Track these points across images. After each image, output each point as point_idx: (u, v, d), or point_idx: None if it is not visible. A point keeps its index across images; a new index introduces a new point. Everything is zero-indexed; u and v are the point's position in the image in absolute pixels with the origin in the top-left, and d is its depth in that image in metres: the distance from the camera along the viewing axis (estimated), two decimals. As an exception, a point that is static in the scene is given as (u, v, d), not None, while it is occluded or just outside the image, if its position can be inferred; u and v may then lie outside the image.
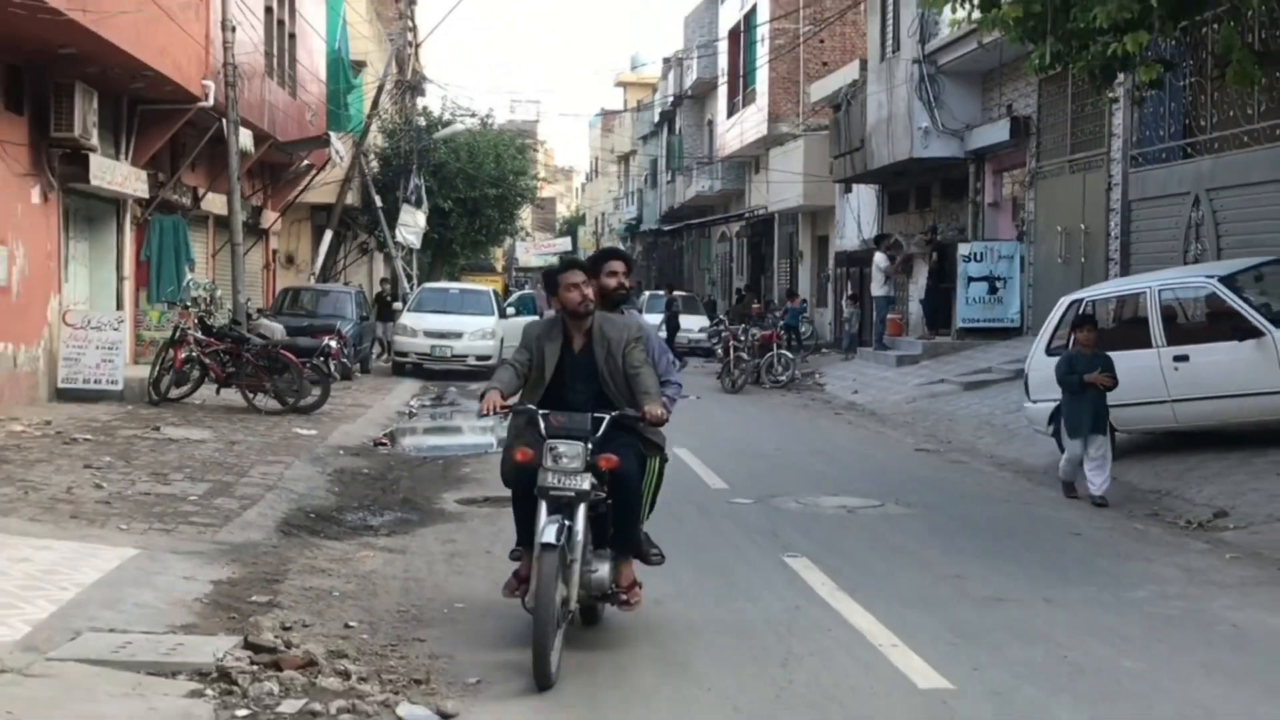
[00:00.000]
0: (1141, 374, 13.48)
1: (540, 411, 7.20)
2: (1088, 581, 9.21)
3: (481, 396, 7.34)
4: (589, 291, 7.43)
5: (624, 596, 7.33)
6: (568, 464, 6.83)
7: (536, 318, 43.90)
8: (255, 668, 6.53)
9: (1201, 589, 9.02)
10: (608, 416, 7.16)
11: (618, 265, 7.97)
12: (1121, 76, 12.09)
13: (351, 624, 7.64)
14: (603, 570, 7.15)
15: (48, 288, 17.67)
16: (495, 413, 7.16)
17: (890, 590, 8.70)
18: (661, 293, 43.53)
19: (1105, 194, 21.32)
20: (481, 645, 7.34)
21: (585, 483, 6.85)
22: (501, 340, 28.13)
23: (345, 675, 6.54)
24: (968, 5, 12.26)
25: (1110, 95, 12.62)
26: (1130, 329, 13.92)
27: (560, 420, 7.14)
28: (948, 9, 13.15)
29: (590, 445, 6.96)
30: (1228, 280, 13.45)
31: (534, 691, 6.39)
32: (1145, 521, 11.46)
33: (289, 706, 5.95)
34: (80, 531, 9.58)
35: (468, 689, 6.47)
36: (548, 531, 6.63)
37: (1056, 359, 13.63)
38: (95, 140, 17.67)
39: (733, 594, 8.68)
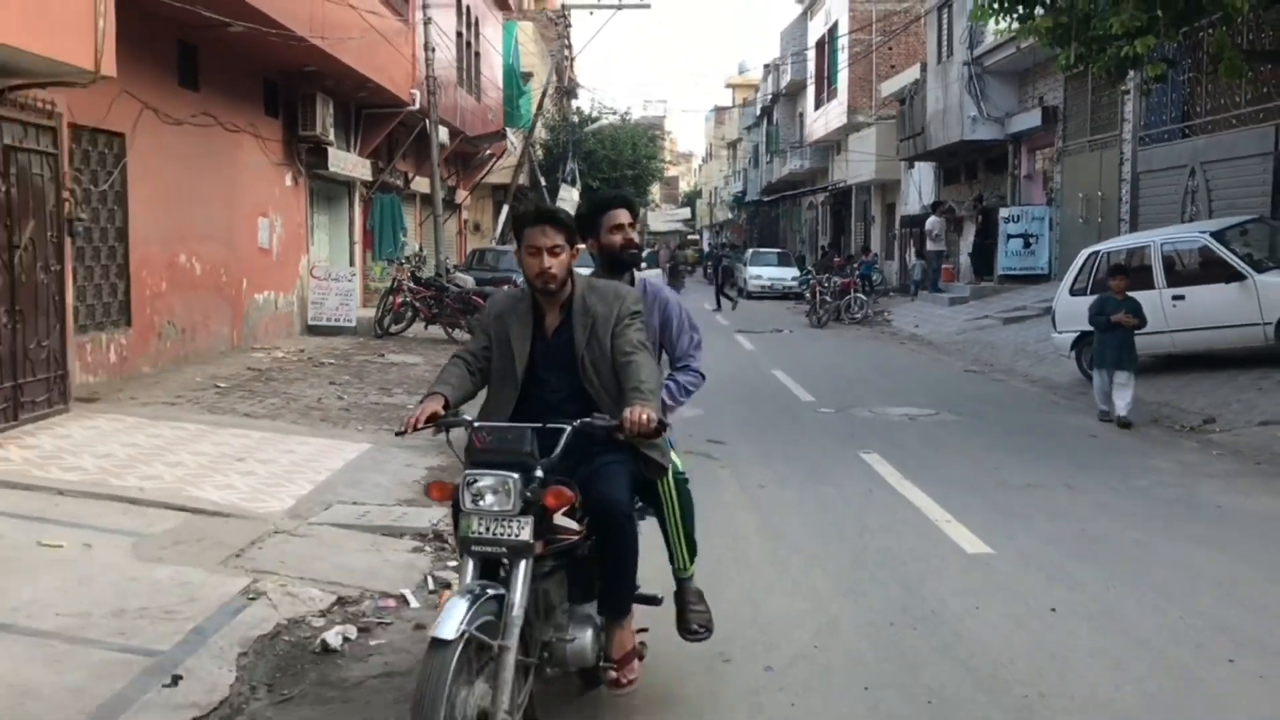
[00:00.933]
0: (1146, 310, 13.12)
1: (474, 424, 3.86)
2: (1101, 472, 9.03)
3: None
4: (555, 258, 3.99)
5: (614, 674, 4.00)
6: (491, 505, 3.61)
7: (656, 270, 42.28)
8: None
9: (1193, 479, 8.79)
10: (567, 428, 3.77)
11: (623, 215, 4.57)
12: (1132, 73, 11.64)
13: None
14: (583, 639, 3.90)
15: (299, 250, 17.88)
16: (417, 429, 3.82)
17: (944, 478, 8.59)
18: (767, 250, 43.11)
19: (1118, 167, 20.59)
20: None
21: (524, 530, 3.58)
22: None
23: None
24: (1009, 17, 11.89)
25: (1123, 88, 12.16)
26: (1138, 274, 13.47)
27: (485, 439, 3.76)
28: (993, 19, 12.75)
29: (537, 474, 3.64)
30: (1217, 235, 12.98)
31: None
32: (1148, 426, 11.15)
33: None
34: (328, 431, 9.87)
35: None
36: (448, 617, 3.33)
37: (1084, 299, 13.28)
38: (331, 137, 17.81)
39: (819, 481, 8.64)
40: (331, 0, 14.62)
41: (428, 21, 20.62)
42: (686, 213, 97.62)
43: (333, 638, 4.85)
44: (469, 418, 3.87)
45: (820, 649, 4.95)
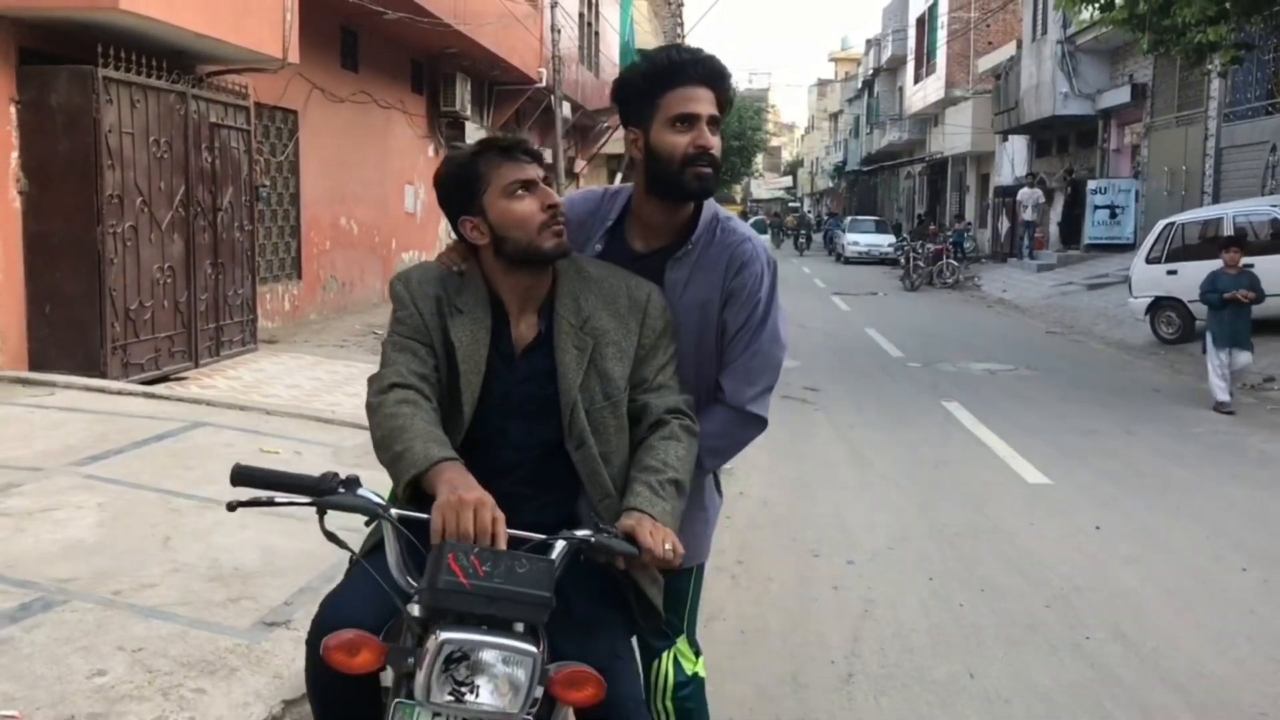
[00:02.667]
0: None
1: (447, 546, 1.79)
2: (1160, 421, 9.53)
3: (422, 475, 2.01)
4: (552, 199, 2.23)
5: None
6: (486, 703, 1.76)
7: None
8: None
9: (1245, 428, 9.26)
10: (558, 544, 1.92)
11: (701, 97, 2.27)
12: (1211, 57, 11.89)
13: None
14: None
15: (438, 214, 18.70)
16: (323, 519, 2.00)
17: (1015, 423, 9.15)
18: (864, 218, 43.18)
19: (1203, 143, 20.54)
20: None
21: None
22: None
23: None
24: (1092, 6, 12.22)
25: (1208, 68, 12.33)
26: (1211, 244, 13.73)
27: (479, 567, 1.76)
28: (1076, 7, 13.06)
29: (542, 647, 1.82)
30: (1288, 208, 13.24)
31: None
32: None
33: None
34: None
35: (727, 474, 7.39)
36: None
37: (1159, 266, 13.59)
38: (469, 112, 18.69)
39: (903, 423, 9.26)
40: (473, -10, 15.52)
41: (554, 5, 21.39)
42: (789, 181, 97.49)
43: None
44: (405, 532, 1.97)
45: (894, 549, 5.70)
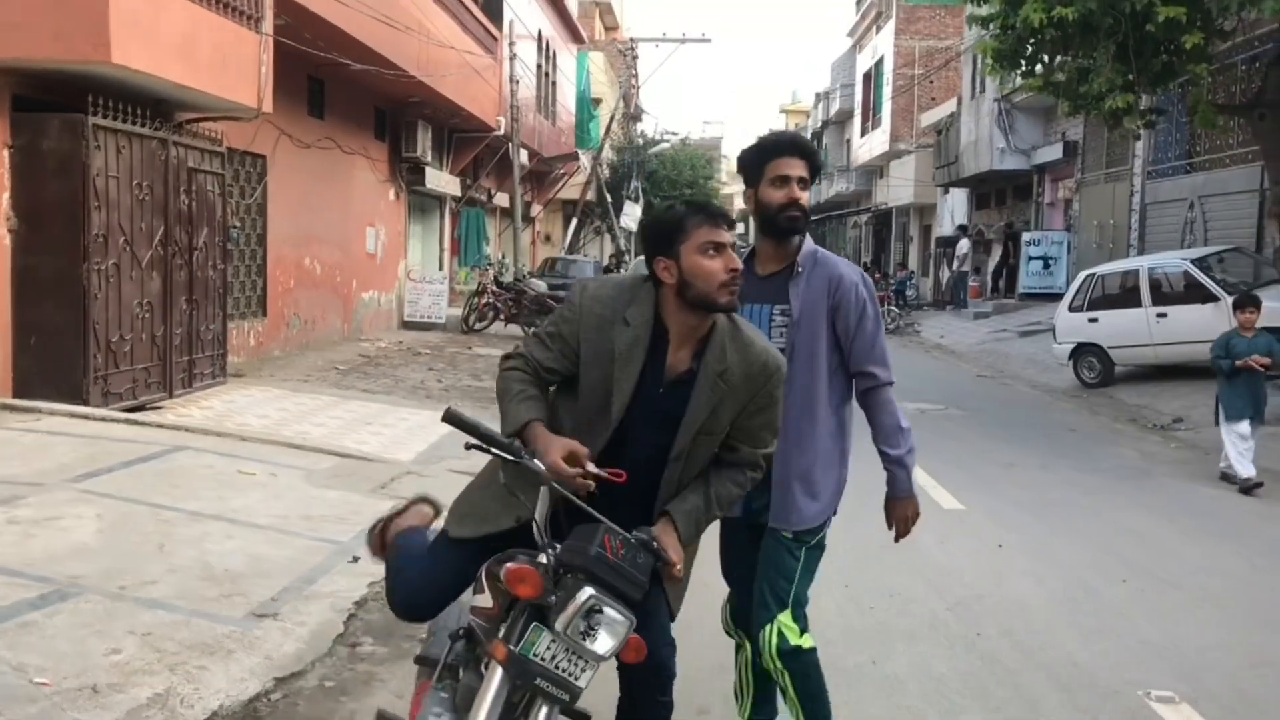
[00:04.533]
0: (1134, 325, 14.31)
1: (605, 528, 2.58)
2: (1074, 457, 10.24)
3: (518, 434, 2.75)
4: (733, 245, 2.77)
5: None
6: (597, 647, 2.56)
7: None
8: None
9: (1150, 464, 10.01)
10: (630, 537, 2.61)
11: (795, 165, 3.21)
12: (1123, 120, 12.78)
13: None
14: None
15: (398, 255, 19.36)
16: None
17: (940, 458, 9.66)
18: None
19: (1129, 199, 21.64)
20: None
21: (586, 680, 2.60)
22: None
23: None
24: (1014, 74, 13.08)
25: (1130, 129, 13.23)
26: (1128, 294, 14.65)
27: (620, 552, 2.58)
28: (1001, 75, 13.93)
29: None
30: (1197, 262, 14.16)
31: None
32: (1125, 424, 12.34)
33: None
34: (433, 405, 11.25)
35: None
36: None
37: (1080, 315, 14.42)
38: (429, 158, 19.31)
39: None
40: (435, 44, 16.18)
41: (513, 57, 22.14)
42: (740, 229, 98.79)
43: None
44: (604, 520, 2.60)
45: (818, 562, 6.31)
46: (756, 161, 3.27)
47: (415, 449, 8.84)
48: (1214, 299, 13.46)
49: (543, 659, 2.54)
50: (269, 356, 13.58)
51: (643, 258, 2.88)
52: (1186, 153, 19.61)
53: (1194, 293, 13.95)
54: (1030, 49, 11.81)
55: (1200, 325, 13.60)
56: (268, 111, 10.88)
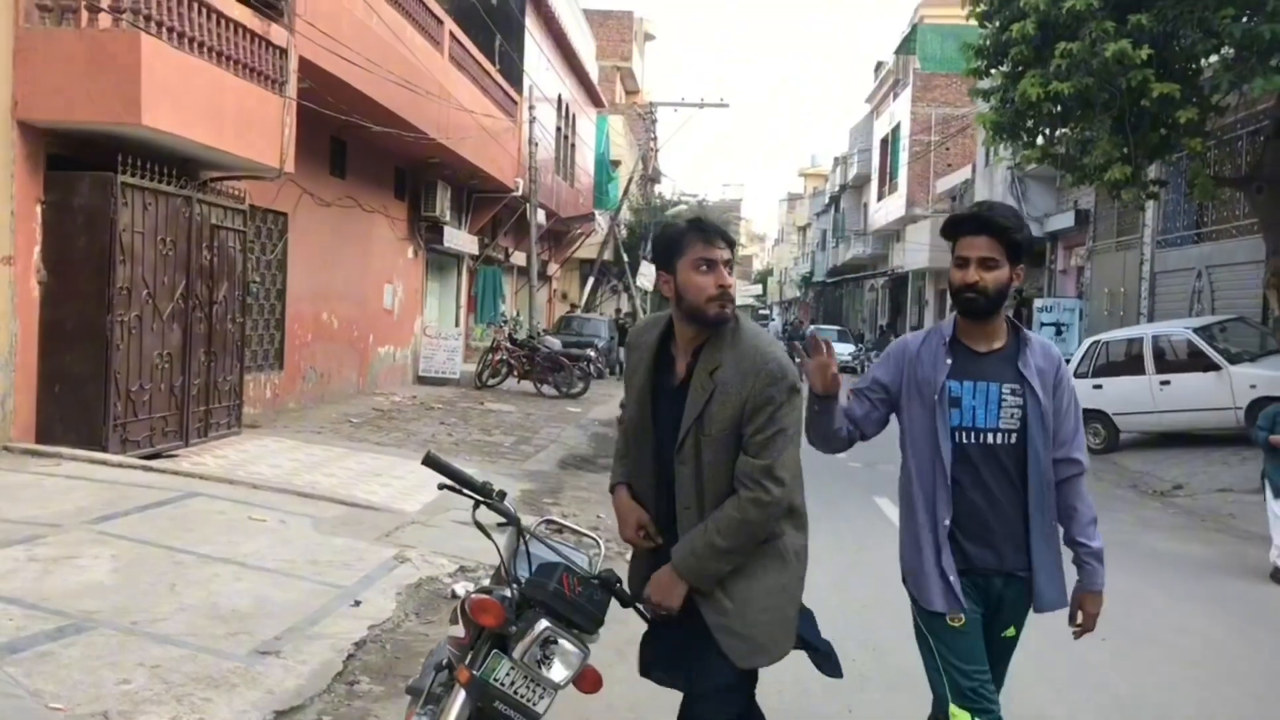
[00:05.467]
0: (1138, 392, 14.51)
1: (564, 567, 2.96)
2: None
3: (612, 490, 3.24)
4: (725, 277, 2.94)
5: None
6: (551, 674, 2.86)
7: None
8: (549, 531, 8.41)
9: (1144, 530, 10.17)
10: (590, 576, 2.98)
11: (979, 245, 3.10)
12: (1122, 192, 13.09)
13: (600, 515, 9.37)
14: None
15: (414, 311, 19.78)
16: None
17: None
18: (828, 327, 44.41)
19: (1139, 267, 21.91)
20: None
21: (544, 706, 2.87)
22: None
23: (598, 541, 8.38)
24: (1014, 146, 13.43)
25: (1129, 201, 13.56)
26: (1133, 361, 14.86)
27: (577, 590, 2.91)
28: (1001, 147, 14.30)
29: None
30: (1199, 330, 14.39)
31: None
32: (1125, 489, 12.51)
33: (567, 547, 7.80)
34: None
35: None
36: None
37: (1085, 381, 14.62)
38: (448, 217, 19.76)
39: (835, 515, 10.00)
40: (455, 107, 16.69)
41: (532, 121, 22.69)
42: (759, 289, 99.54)
43: (458, 588, 6.53)
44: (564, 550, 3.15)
45: (805, 616, 6.52)
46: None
47: (422, 500, 9.10)
48: (1216, 368, 13.68)
49: (503, 684, 2.82)
50: (284, 408, 13.91)
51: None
52: (1195, 223, 19.90)
53: (1196, 361, 14.17)
54: (1030, 122, 12.18)
55: (1202, 393, 13.84)
56: (290, 171, 11.32)
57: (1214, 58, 11.14)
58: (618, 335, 27.57)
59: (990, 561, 3.22)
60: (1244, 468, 12.63)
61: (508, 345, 20.25)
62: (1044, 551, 3.24)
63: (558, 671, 2.88)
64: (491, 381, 20.11)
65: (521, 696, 2.83)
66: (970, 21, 13.03)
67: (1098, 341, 15.59)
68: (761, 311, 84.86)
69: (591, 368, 21.21)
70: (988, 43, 12.14)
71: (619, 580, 3.07)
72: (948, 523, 3.20)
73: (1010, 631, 3.37)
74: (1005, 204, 3.13)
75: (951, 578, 3.19)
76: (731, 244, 2.96)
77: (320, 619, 5.60)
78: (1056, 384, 3.20)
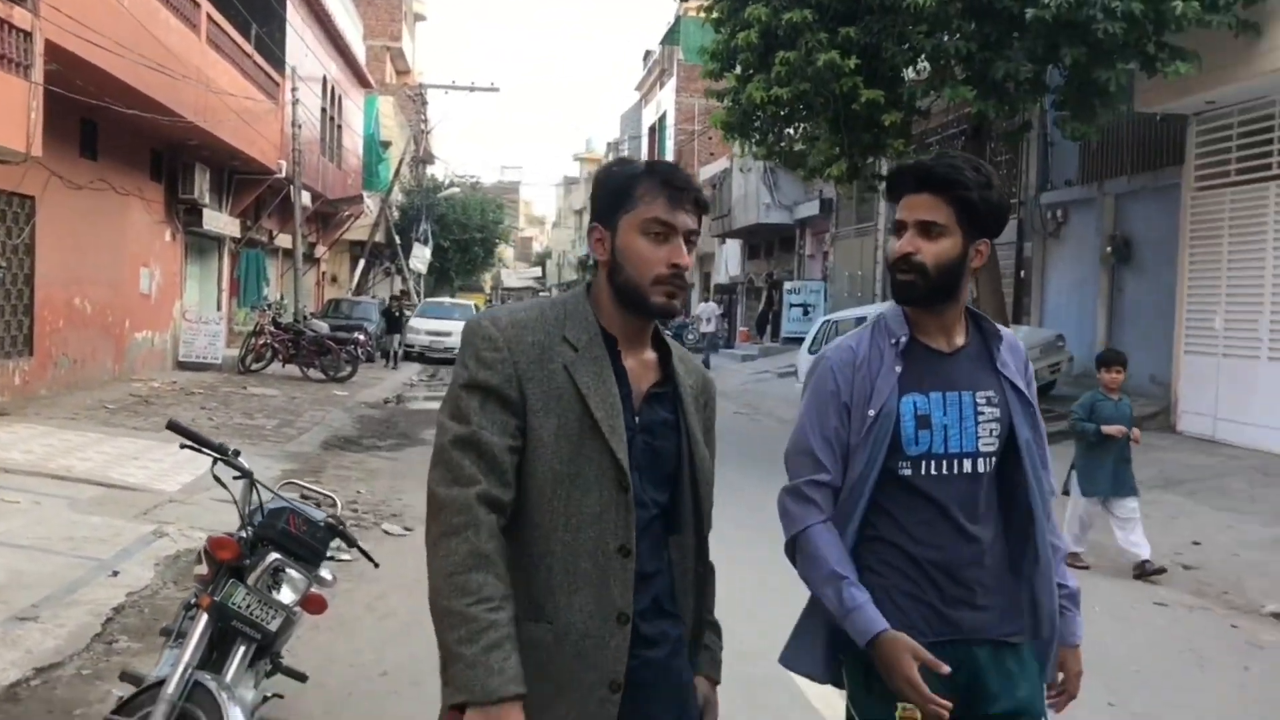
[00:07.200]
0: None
1: (290, 509, 3.68)
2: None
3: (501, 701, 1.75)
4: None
5: None
6: (283, 596, 3.54)
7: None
8: (291, 492, 8.87)
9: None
10: (316, 520, 3.68)
11: (918, 205, 2.32)
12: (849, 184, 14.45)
13: (360, 491, 9.84)
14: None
15: (173, 295, 19.46)
16: None
17: None
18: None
19: (874, 252, 23.90)
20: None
21: (278, 622, 3.45)
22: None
23: (355, 511, 8.90)
24: (744, 143, 14.54)
25: (863, 192, 14.99)
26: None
27: (302, 527, 3.62)
28: (732, 143, 15.51)
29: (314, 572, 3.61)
30: (916, 310, 16.04)
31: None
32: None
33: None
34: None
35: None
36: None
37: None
38: (207, 199, 19.48)
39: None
40: (214, 90, 16.62)
41: (295, 102, 22.60)
42: (539, 271, 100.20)
43: (216, 558, 6.99)
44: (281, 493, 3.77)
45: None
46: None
47: (181, 480, 9.38)
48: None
49: (239, 606, 3.42)
50: (35, 396, 13.67)
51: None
52: (922, 212, 21.87)
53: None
54: (757, 122, 13.36)
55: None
56: (38, 156, 11.23)
57: (913, 69, 12.57)
58: (385, 322, 27.22)
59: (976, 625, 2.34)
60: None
61: (272, 329, 20.18)
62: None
63: (286, 595, 3.54)
64: (255, 366, 20.02)
65: (255, 616, 3.44)
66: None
67: (829, 320, 17.08)
68: (542, 294, 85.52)
69: (360, 351, 21.31)
70: (720, 48, 13.24)
71: (343, 524, 3.78)
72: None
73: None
74: (968, 155, 2.38)
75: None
76: (703, 211, 2.08)
77: (78, 588, 5.98)
78: (1029, 385, 2.46)
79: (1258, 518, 9.60)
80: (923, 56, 11.94)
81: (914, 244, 2.30)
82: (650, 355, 2.07)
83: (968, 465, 2.34)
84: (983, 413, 2.36)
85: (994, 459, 2.37)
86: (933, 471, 2.33)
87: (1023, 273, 16.92)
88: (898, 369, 2.35)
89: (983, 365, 2.40)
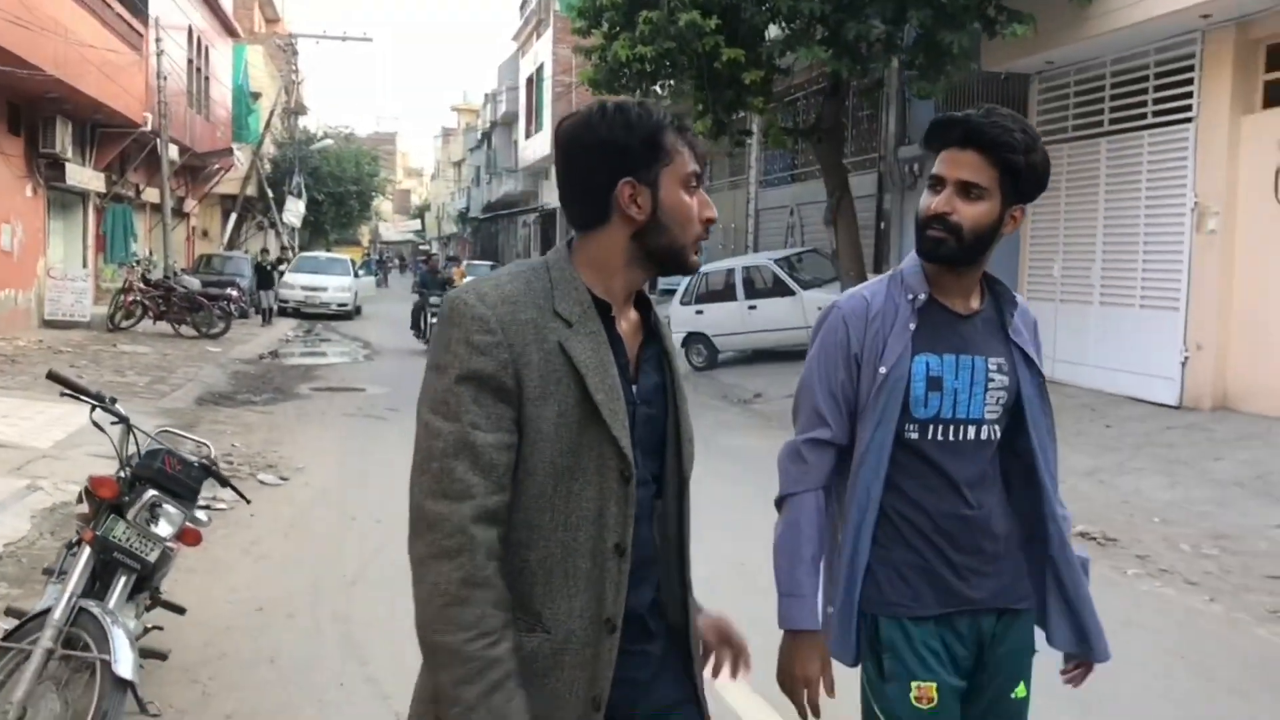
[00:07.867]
0: (731, 316, 16.69)
1: (166, 451, 4.06)
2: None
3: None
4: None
5: None
6: (160, 530, 3.86)
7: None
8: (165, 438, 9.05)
9: (720, 429, 11.95)
10: (191, 461, 4.11)
11: (963, 164, 2.23)
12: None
13: (235, 444, 9.99)
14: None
15: (37, 252, 19.02)
16: None
17: None
18: (479, 263, 45.39)
19: (745, 205, 24.53)
20: (311, 453, 9.94)
21: (155, 554, 3.80)
22: (355, 293, 29.62)
23: (231, 464, 9.10)
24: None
25: (729, 147, 15.50)
26: (728, 290, 17.02)
27: (177, 466, 4.02)
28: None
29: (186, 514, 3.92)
30: (780, 261, 16.76)
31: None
32: (717, 400, 14.51)
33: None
34: (73, 401, 11.79)
35: (299, 471, 9.10)
36: (125, 655, 3.42)
37: (690, 307, 16.67)
38: (70, 153, 19.05)
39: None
40: (75, 42, 16.25)
41: (160, 54, 22.10)
42: (417, 224, 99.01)
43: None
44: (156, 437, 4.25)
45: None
46: (934, 136, 2.34)
47: (54, 437, 9.46)
48: (791, 293, 16.00)
49: (119, 539, 3.75)
50: (-108, 356, 13.40)
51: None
52: (789, 165, 22.57)
53: (777, 288, 16.48)
54: (624, 79, 13.72)
55: (781, 315, 16.16)
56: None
57: (773, 29, 13.07)
58: (256, 282, 26.67)
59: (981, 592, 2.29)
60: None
61: (141, 285, 19.93)
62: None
63: (164, 529, 3.88)
64: (125, 324, 19.75)
65: (135, 548, 3.78)
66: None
67: (701, 271, 17.62)
68: (422, 247, 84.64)
69: (233, 307, 21.18)
70: (588, 5, 13.54)
71: (215, 463, 4.17)
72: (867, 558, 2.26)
73: (1020, 691, 2.35)
74: (1015, 114, 2.29)
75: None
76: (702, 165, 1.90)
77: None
78: (1038, 353, 2.39)
79: (1082, 451, 10.47)
80: (780, 17, 12.43)
81: (951, 204, 2.22)
82: (634, 314, 1.89)
83: (972, 432, 2.28)
84: (993, 379, 2.30)
85: (998, 428, 2.32)
86: (939, 437, 2.26)
87: (882, 224, 17.71)
88: (912, 326, 2.27)
89: (995, 331, 2.34)
